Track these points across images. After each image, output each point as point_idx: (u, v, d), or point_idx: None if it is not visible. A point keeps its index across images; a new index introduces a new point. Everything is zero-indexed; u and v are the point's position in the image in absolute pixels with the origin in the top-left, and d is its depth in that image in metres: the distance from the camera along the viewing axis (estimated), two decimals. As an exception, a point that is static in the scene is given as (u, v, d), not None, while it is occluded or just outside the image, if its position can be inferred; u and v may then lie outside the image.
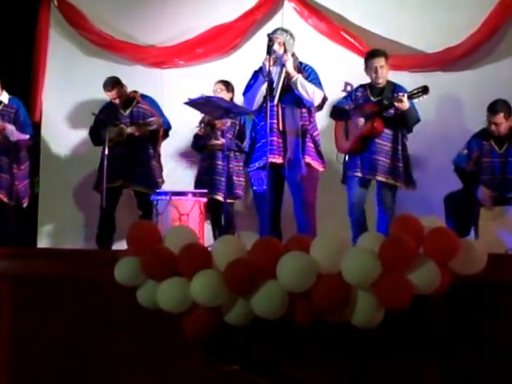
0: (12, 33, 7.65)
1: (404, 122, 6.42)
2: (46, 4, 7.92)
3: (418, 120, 6.51)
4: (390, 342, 4.69)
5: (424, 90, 6.26)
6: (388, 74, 6.55)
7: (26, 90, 7.79)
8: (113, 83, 7.16)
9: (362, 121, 6.42)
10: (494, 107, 6.39)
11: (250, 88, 6.32)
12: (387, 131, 6.42)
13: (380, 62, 6.48)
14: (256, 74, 6.34)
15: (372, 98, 6.54)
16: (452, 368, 4.78)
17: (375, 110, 6.42)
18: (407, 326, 4.65)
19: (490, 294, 4.74)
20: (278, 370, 4.78)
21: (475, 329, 4.77)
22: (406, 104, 6.27)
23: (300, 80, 6.16)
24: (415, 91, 6.30)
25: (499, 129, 6.40)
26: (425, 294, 4.35)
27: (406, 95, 6.27)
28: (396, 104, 6.30)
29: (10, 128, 7.00)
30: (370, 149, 6.43)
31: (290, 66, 6.18)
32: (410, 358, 4.75)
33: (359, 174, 6.47)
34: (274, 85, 6.15)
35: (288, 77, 6.19)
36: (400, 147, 6.44)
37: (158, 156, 7.23)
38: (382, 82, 6.51)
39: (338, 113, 6.65)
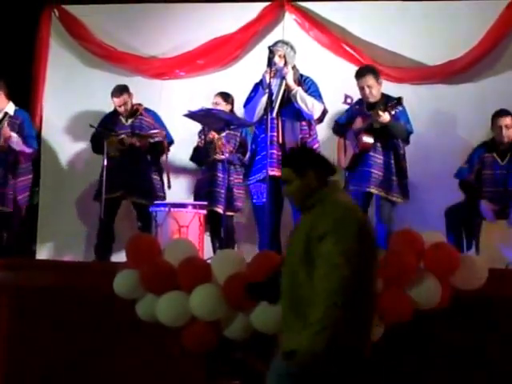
0: (13, 43, 7.64)
1: (390, 135, 6.39)
2: (46, 14, 7.90)
3: (410, 132, 6.49)
4: (390, 355, 4.68)
5: (398, 101, 6.27)
6: (380, 89, 6.51)
7: (26, 100, 7.78)
8: (121, 89, 7.17)
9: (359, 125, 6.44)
10: (501, 112, 6.45)
11: (250, 100, 6.32)
12: (379, 144, 6.41)
13: (367, 81, 6.45)
14: (257, 87, 6.33)
15: (367, 112, 6.51)
16: (453, 381, 4.77)
17: (363, 125, 6.41)
18: (407, 340, 4.64)
19: (490, 309, 4.73)
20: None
21: (475, 343, 4.76)
22: (385, 117, 6.24)
23: (300, 93, 6.15)
24: (389, 104, 6.29)
25: (509, 132, 6.40)
26: (425, 309, 4.34)
27: (382, 109, 6.26)
28: (375, 118, 6.29)
29: (16, 138, 7.01)
30: (364, 162, 6.42)
31: (289, 79, 6.16)
32: (411, 372, 4.74)
33: (354, 187, 6.46)
34: (274, 97, 6.13)
35: (288, 89, 6.18)
36: (392, 160, 6.42)
37: (160, 170, 7.21)
38: (372, 99, 6.48)
39: (336, 128, 6.67)
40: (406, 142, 6.54)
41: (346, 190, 6.55)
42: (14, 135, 7.00)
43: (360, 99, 6.62)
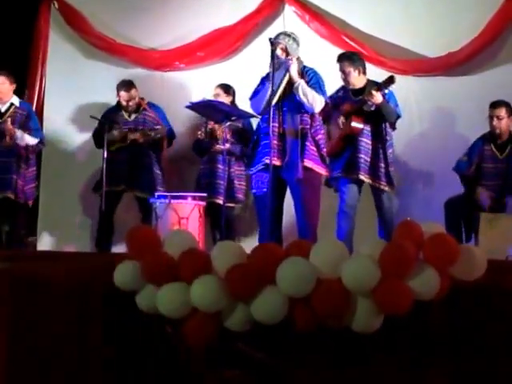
0: (12, 35, 7.65)
1: (381, 117, 6.36)
2: (46, 6, 7.92)
3: (398, 116, 6.46)
4: (389, 347, 4.69)
5: (390, 79, 6.25)
6: (358, 77, 6.49)
7: (26, 92, 7.81)
8: (130, 84, 7.21)
9: (341, 119, 6.44)
10: (496, 102, 6.50)
11: (257, 93, 6.30)
12: (368, 128, 6.38)
13: (343, 67, 6.46)
14: (263, 80, 6.30)
15: (353, 98, 6.49)
16: (452, 374, 4.77)
17: (352, 109, 6.38)
18: (406, 331, 4.64)
19: (489, 300, 4.73)
20: (278, 375, 4.78)
21: (475, 335, 4.76)
22: (377, 97, 6.24)
23: (302, 86, 6.11)
24: (382, 82, 6.29)
25: (501, 124, 6.43)
26: (424, 300, 4.35)
27: (375, 88, 6.26)
28: (367, 98, 6.28)
29: (20, 133, 7.08)
30: (352, 147, 6.38)
31: (293, 71, 6.12)
32: (409, 363, 4.75)
33: (343, 174, 6.42)
34: (275, 87, 6.10)
35: (291, 81, 6.15)
36: (380, 145, 6.39)
37: (160, 163, 7.25)
38: (351, 86, 6.49)
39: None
40: (393, 127, 6.51)
41: (332, 177, 6.51)
42: (17, 131, 7.07)
43: (342, 87, 6.61)
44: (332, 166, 6.46)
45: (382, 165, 6.37)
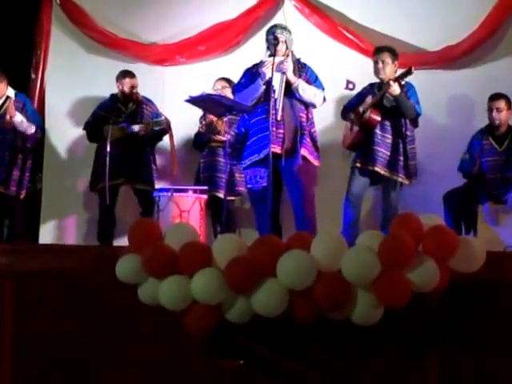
0: (14, 30, 7.66)
1: (399, 111, 6.38)
2: (48, 1, 7.93)
3: (418, 113, 6.47)
4: (388, 339, 4.71)
5: (407, 71, 6.28)
6: (393, 72, 6.53)
7: (28, 87, 7.82)
8: (132, 73, 7.22)
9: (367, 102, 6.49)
10: (496, 94, 6.53)
11: (241, 86, 6.32)
12: (387, 123, 6.42)
13: (382, 56, 6.49)
14: (247, 72, 6.32)
15: (377, 92, 6.51)
16: (451, 365, 4.80)
17: (373, 101, 6.42)
18: (406, 323, 4.67)
19: (488, 292, 4.76)
20: (279, 367, 4.81)
21: (474, 326, 4.79)
22: (395, 89, 6.28)
23: (301, 85, 6.16)
24: (400, 74, 6.34)
25: (500, 115, 6.46)
26: (423, 292, 4.37)
27: (393, 79, 6.32)
28: (384, 89, 6.32)
29: (20, 117, 7.08)
30: (371, 140, 6.42)
31: (290, 73, 6.16)
32: (409, 355, 4.78)
33: (358, 165, 6.46)
34: (276, 95, 6.12)
35: (289, 83, 6.16)
36: (401, 140, 6.42)
37: (154, 157, 7.29)
38: (383, 77, 6.51)
39: (345, 113, 6.68)
40: (415, 124, 6.53)
41: (350, 168, 6.58)
42: (18, 114, 7.07)
43: (371, 84, 6.65)
44: (353, 158, 6.56)
45: (401, 158, 6.40)
